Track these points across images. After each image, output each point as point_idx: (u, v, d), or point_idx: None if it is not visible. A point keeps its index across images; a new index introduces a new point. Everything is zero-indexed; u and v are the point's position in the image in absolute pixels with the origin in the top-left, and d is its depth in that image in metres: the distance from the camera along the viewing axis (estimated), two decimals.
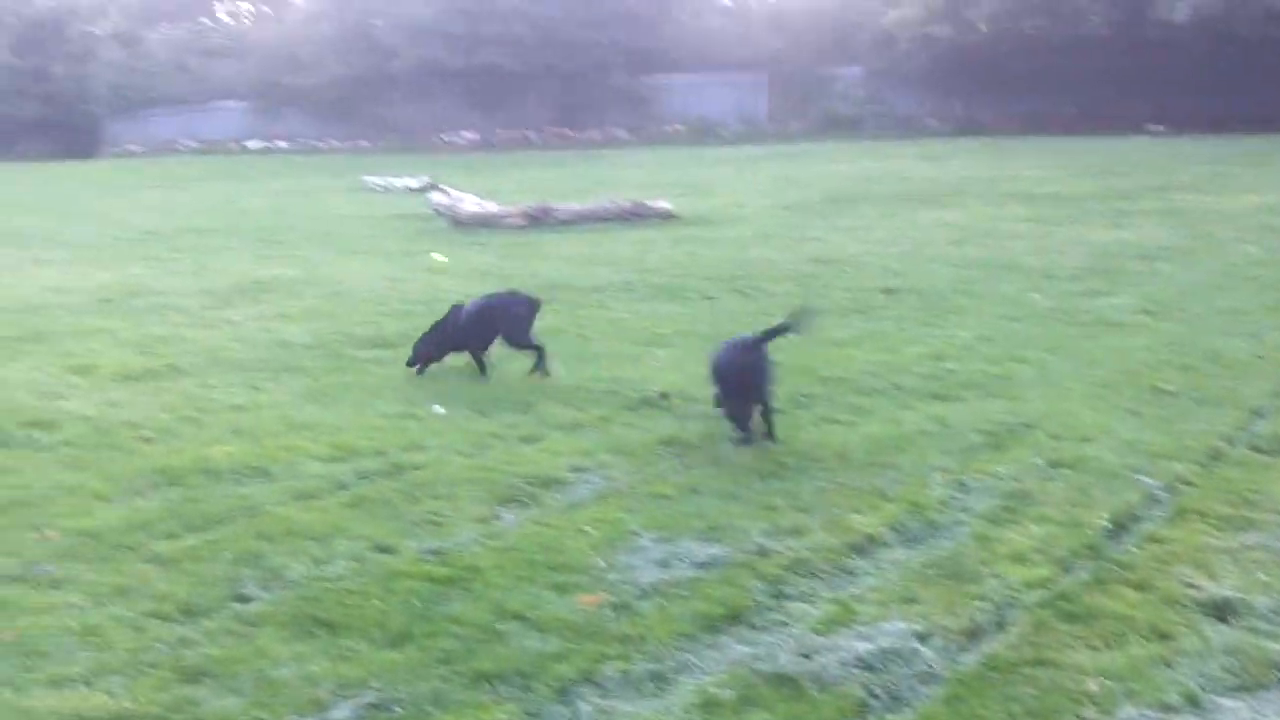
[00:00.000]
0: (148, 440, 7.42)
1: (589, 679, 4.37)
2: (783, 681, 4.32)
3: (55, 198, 26.73)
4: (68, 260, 15.88)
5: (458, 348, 9.20)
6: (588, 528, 5.84)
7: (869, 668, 4.41)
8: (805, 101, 38.57)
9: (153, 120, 46.10)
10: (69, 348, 10.10)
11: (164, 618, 4.92)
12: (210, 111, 45.46)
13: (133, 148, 45.08)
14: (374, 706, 4.18)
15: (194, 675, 4.44)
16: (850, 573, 5.35)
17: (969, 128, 34.88)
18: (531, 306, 9.30)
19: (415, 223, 19.93)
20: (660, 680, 4.37)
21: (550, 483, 6.54)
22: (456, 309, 9.25)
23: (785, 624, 4.82)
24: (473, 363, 9.16)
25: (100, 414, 8.01)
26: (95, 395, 8.54)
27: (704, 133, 38.63)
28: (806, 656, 4.48)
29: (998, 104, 36.17)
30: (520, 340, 9.13)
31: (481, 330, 9.17)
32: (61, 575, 5.34)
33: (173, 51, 46.66)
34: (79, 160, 42.01)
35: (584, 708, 4.18)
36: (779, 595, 5.09)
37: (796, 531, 5.75)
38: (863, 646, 4.53)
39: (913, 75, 36.81)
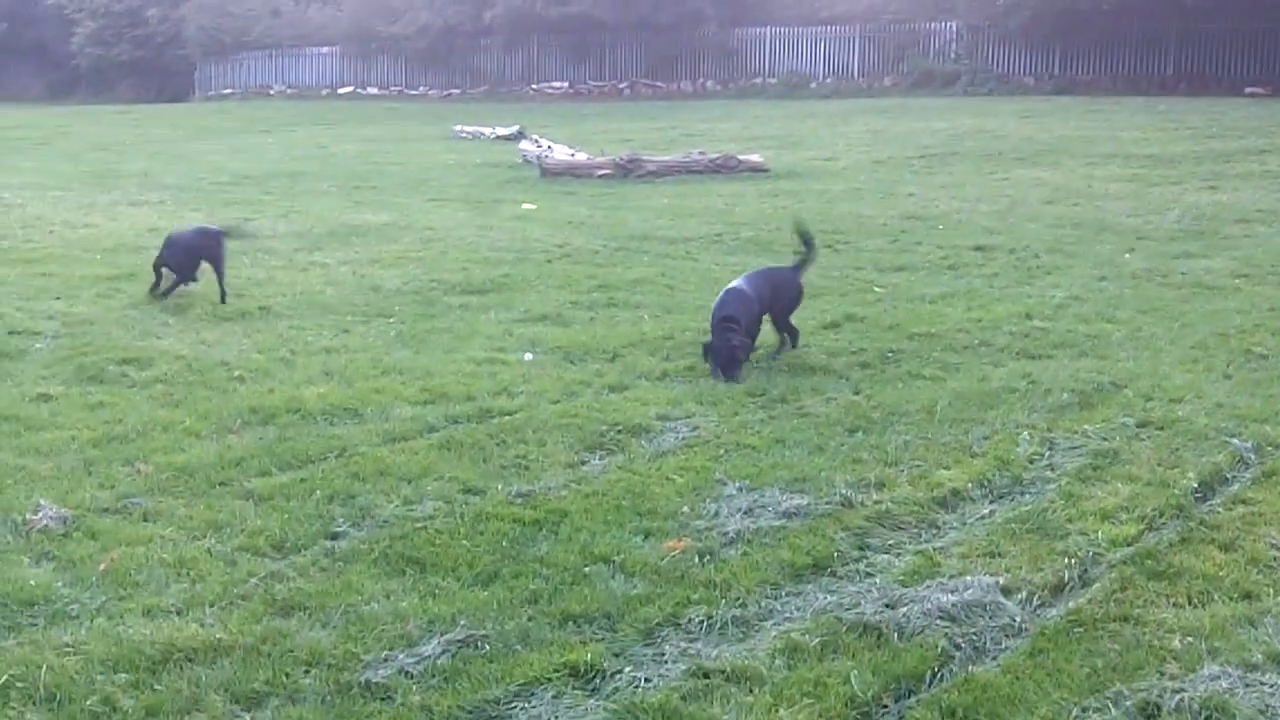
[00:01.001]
0: (240, 379, 7.57)
1: (674, 622, 4.41)
2: (866, 630, 4.32)
3: (150, 140, 27.21)
4: (162, 202, 16.18)
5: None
6: (674, 475, 5.86)
7: (952, 619, 4.40)
8: (899, 56, 37.89)
9: (245, 64, 46.61)
10: None
11: (256, 552, 5.03)
12: (303, 57, 45.83)
13: (226, 91, 45.67)
14: (462, 643, 4.25)
15: (285, 608, 4.54)
16: (935, 526, 5.33)
17: (1067, 86, 34.04)
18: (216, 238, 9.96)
19: (504, 171, 20.00)
20: (744, 626, 4.39)
21: (637, 430, 6.57)
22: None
23: (869, 574, 4.82)
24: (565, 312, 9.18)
25: (194, 353, 8.18)
26: (189, 335, 8.73)
27: (796, 86, 38.12)
28: (890, 606, 4.48)
29: (1096, 63, 35.28)
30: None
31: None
32: (155, 509, 5.49)
33: None
34: (172, 103, 42.69)
35: (669, 650, 4.22)
36: (863, 546, 5.09)
37: (882, 484, 5.73)
38: (946, 598, 4.52)
39: (1011, 32, 35.94)
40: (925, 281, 10.66)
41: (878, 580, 4.75)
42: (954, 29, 37.67)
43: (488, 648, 4.23)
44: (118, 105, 41.43)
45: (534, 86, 42.05)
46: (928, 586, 4.64)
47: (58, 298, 9.82)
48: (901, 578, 4.75)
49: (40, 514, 5.29)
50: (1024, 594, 4.61)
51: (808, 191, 16.69)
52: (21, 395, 7.14)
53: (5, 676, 3.99)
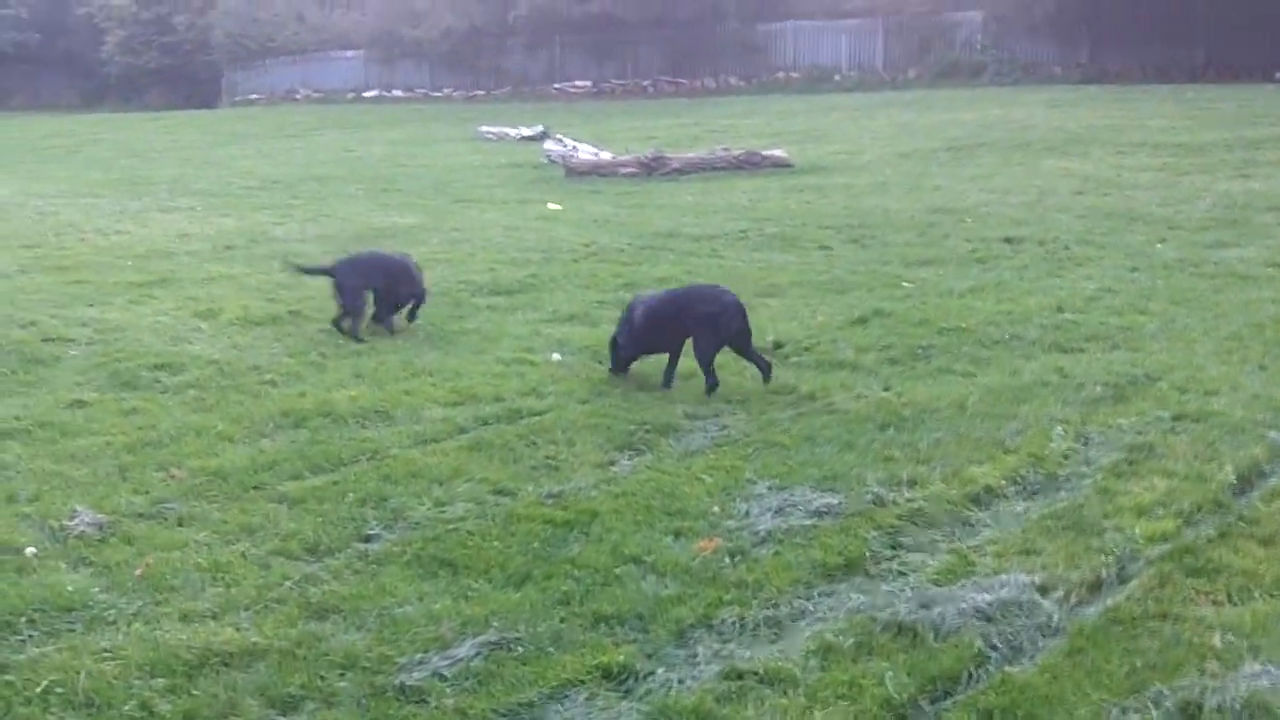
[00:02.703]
0: (272, 383, 7.61)
1: (706, 623, 4.40)
2: (901, 630, 4.30)
3: (179, 146, 27.38)
4: (192, 208, 16.28)
5: None
6: (704, 475, 5.85)
7: (988, 618, 4.37)
8: (923, 48, 37.69)
9: (272, 70, 46.84)
10: (194, 293, 10.37)
11: (290, 556, 5.06)
12: (328, 61, 46.01)
13: (253, 97, 45.92)
14: (495, 645, 4.26)
15: (320, 611, 4.56)
16: (969, 524, 5.30)
17: (1094, 75, 33.75)
18: None
19: (530, 171, 20.02)
20: (777, 626, 4.38)
21: (666, 430, 6.56)
22: None
23: (903, 574, 4.80)
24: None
25: (225, 357, 8.23)
26: (220, 339, 8.77)
27: (819, 80, 37.98)
28: (925, 606, 4.45)
29: (1124, 51, 34.96)
30: None
31: None
32: (190, 513, 5.51)
33: (292, 1, 47.32)
34: (201, 110, 42.95)
35: (702, 651, 4.21)
36: (896, 545, 5.07)
37: (914, 482, 5.70)
38: (982, 597, 4.49)
39: (1037, 21, 35.67)
40: (954, 275, 10.60)
41: (911, 579, 4.73)
42: (979, 19, 37.43)
43: (521, 650, 4.24)
44: (147, 112, 41.73)
45: (557, 86, 42.08)
46: (962, 586, 4.62)
47: (90, 304, 9.89)
48: (935, 577, 4.73)
49: (77, 520, 5.33)
50: (1061, 592, 4.58)
51: (832, 186, 16.64)
52: (56, 402, 7.19)
53: (45, 682, 4.02)
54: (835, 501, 5.46)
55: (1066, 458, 6.05)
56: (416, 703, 3.94)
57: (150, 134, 31.00)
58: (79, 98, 50.22)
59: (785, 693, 3.93)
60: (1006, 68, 35.43)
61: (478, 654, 4.21)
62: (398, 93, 43.95)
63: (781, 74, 39.43)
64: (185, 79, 48.01)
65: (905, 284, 10.30)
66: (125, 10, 47.56)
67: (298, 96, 45.57)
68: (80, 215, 15.54)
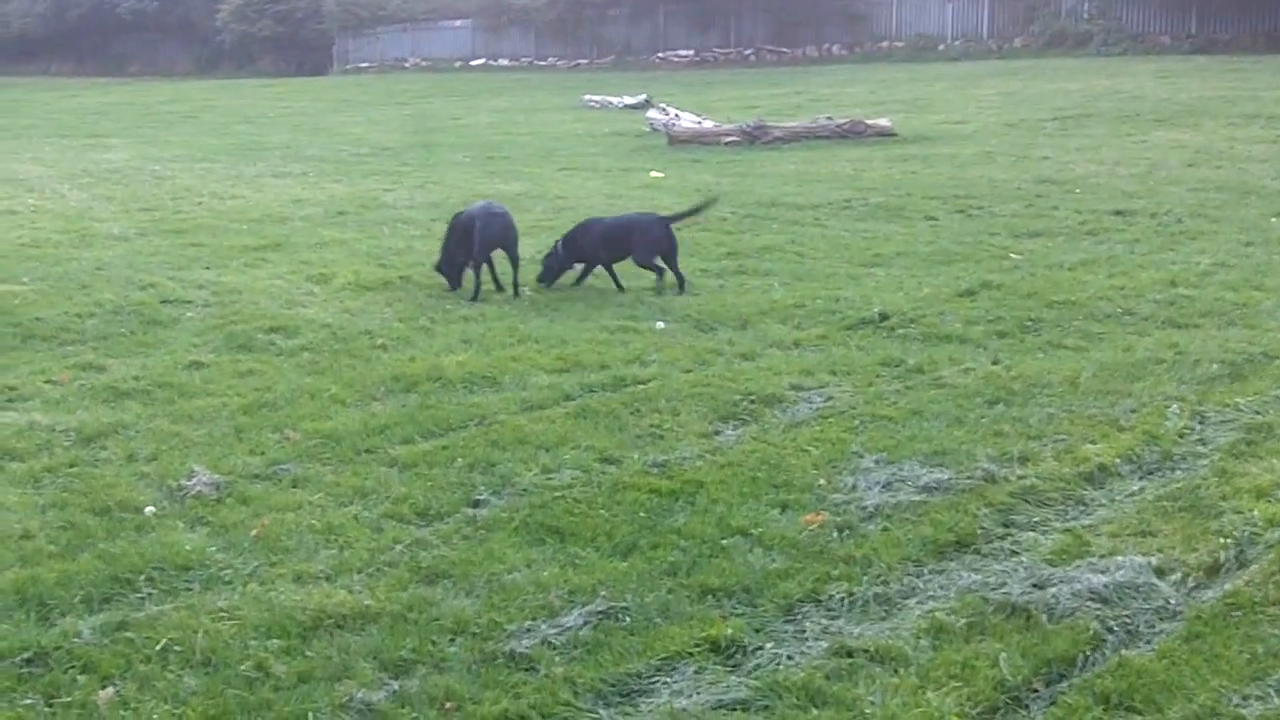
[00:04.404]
0: (383, 347, 7.72)
1: (815, 598, 4.36)
2: (1014, 611, 4.22)
3: (291, 113, 27.84)
4: (304, 174, 16.56)
5: None
6: (809, 447, 5.81)
7: (1104, 601, 4.27)
8: (1030, 16, 36.80)
9: (382, 38, 47.40)
10: (307, 257, 10.56)
11: (401, 519, 5.12)
12: (437, 30, 46.41)
13: (363, 65, 46.50)
14: (603, 614, 4.27)
15: (430, 576, 4.61)
16: (1083, 503, 5.19)
17: (1204, 45, 32.63)
18: None
19: (632, 140, 20.01)
20: (887, 604, 4.33)
21: (771, 400, 6.52)
22: None
23: (1015, 553, 4.71)
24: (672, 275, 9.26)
25: (338, 321, 8.36)
26: (332, 303, 8.92)
27: (923, 49, 37.32)
28: (1038, 587, 4.37)
29: (1236, 20, 33.72)
30: None
31: None
32: (304, 475, 5.62)
33: None
34: (312, 77, 43.61)
35: (810, 627, 4.18)
36: (1008, 523, 4.98)
37: (1026, 459, 5.59)
38: (1097, 579, 4.39)
39: None
40: (1063, 248, 10.37)
41: (1024, 559, 4.63)
42: None
43: (628, 620, 4.24)
44: (260, 79, 42.48)
45: (660, 55, 41.92)
46: (1077, 566, 4.52)
47: (207, 267, 10.13)
48: (1049, 557, 4.64)
49: (194, 480, 5.46)
50: (1178, 575, 4.46)
51: (938, 156, 16.36)
52: (175, 363, 7.38)
53: (164, 640, 4.12)
54: (945, 477, 5.38)
55: (1182, 437, 5.89)
56: (526, 670, 3.97)
57: (263, 100, 31.58)
58: (194, 65, 51.36)
59: (896, 672, 3.89)
60: (1114, 37, 34.43)
61: (586, 623, 4.22)
62: (503, 61, 44.19)
63: (885, 43, 38.82)
64: (297, 46, 48.78)
65: (1013, 255, 10.10)
66: None
67: (406, 65, 46.06)
68: (196, 180, 15.90)
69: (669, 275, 9.23)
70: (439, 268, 9.43)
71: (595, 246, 9.39)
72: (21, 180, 16.30)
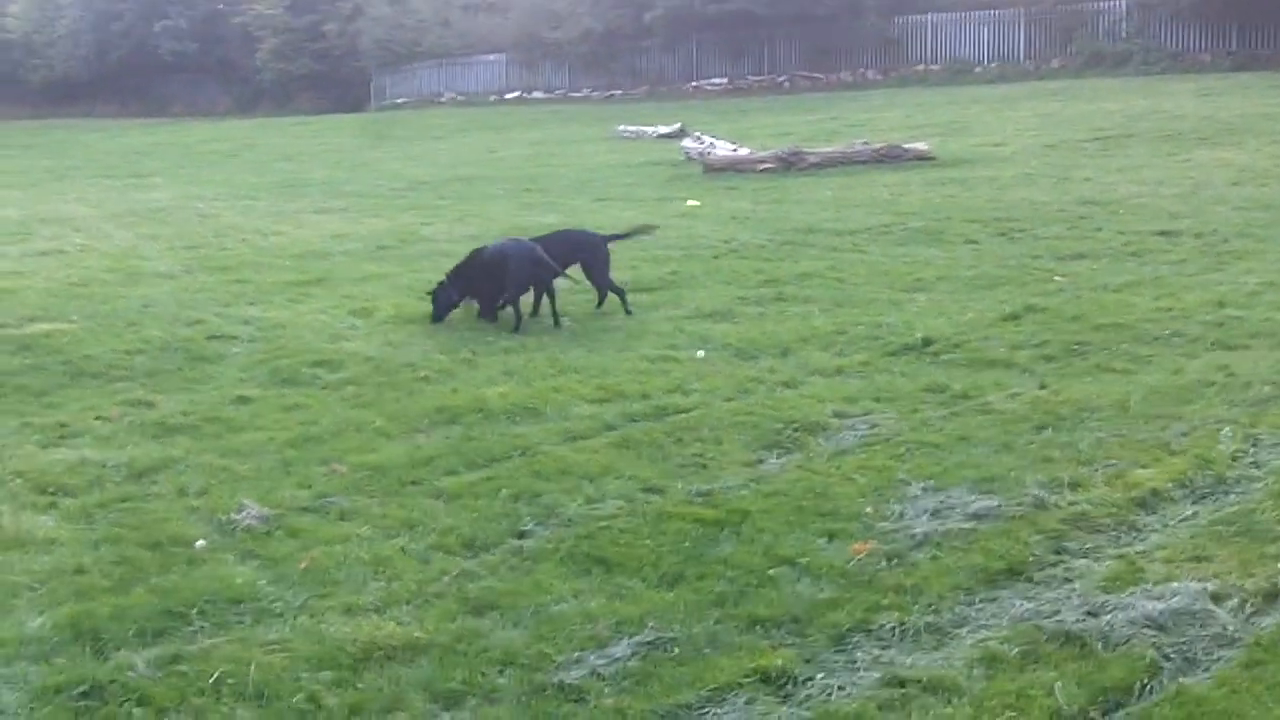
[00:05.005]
0: (426, 380, 7.76)
1: (865, 628, 4.33)
2: (1068, 639, 4.18)
3: (329, 150, 28.12)
4: (345, 209, 16.71)
5: None
6: (855, 475, 5.78)
7: (1160, 628, 4.22)
8: (1067, 37, 36.68)
9: (418, 73, 47.88)
10: (350, 291, 10.64)
11: (448, 551, 5.13)
12: (472, 64, 46.83)
13: (399, 100, 46.95)
14: (651, 645, 4.25)
15: (478, 607, 4.61)
16: (1136, 529, 5.13)
17: (1246, 62, 32.36)
18: None
19: (667, 169, 20.06)
20: (938, 633, 4.29)
21: (815, 428, 6.50)
22: None
23: (1068, 580, 4.66)
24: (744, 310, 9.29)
25: (380, 354, 8.42)
26: (375, 337, 8.98)
27: (959, 72, 37.26)
28: (1093, 614, 4.32)
29: (1276, 36, 33.49)
30: None
31: None
32: (351, 507, 5.64)
33: (437, 7, 48.25)
34: (350, 113, 44.05)
35: (861, 657, 4.15)
36: (1060, 550, 4.93)
37: (1076, 484, 5.54)
38: (1152, 606, 4.34)
39: (1184, 7, 34.34)
40: (1108, 269, 10.30)
41: (1077, 586, 4.58)
42: (1123, 7, 36.26)
43: (677, 650, 4.22)
44: (299, 116, 42.96)
45: (694, 84, 42.08)
46: (1131, 593, 4.46)
47: (251, 303, 10.23)
48: (1102, 584, 4.58)
49: (244, 513, 5.50)
50: (1235, 601, 4.40)
51: (977, 179, 16.31)
52: (222, 398, 7.45)
53: (217, 673, 4.14)
54: (994, 504, 5.34)
55: (1235, 460, 5.82)
56: (575, 701, 3.96)
57: (302, 138, 31.92)
58: (234, 104, 52.01)
59: (949, 702, 3.84)
60: (1153, 56, 34.22)
61: (634, 654, 4.21)
62: (538, 94, 44.49)
63: (921, 67, 38.77)
64: (335, 84, 49.33)
65: (1057, 278, 10.04)
66: (278, 19, 49.07)
67: (442, 99, 46.45)
68: (239, 217, 16.08)
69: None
70: (435, 294, 9.34)
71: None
72: (69, 220, 16.53)
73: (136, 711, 3.94)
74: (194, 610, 4.61)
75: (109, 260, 12.81)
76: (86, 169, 25.91)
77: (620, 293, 9.70)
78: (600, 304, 9.76)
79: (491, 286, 9.30)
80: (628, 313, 9.47)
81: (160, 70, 54.30)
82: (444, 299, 9.34)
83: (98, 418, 7.10)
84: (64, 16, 55.35)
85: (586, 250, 9.78)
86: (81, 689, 4.06)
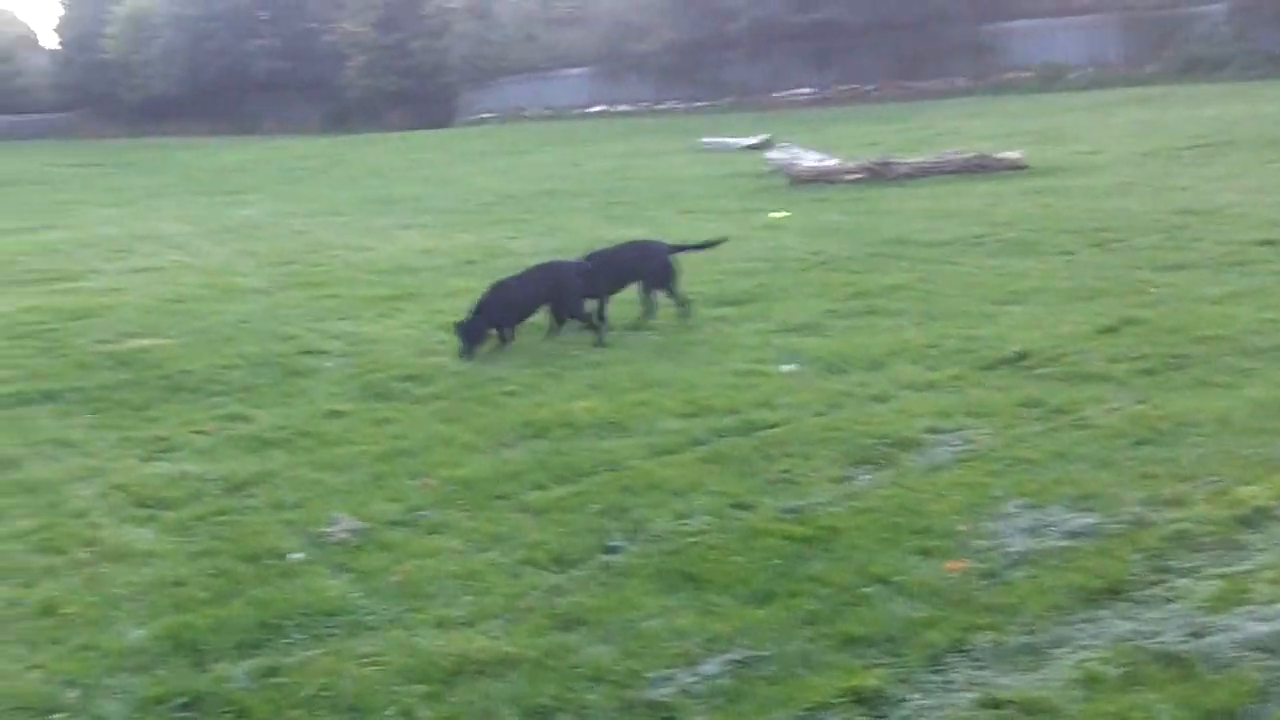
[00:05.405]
0: (513, 394, 7.80)
1: (960, 648, 4.24)
2: (1170, 660, 4.06)
3: (417, 165, 28.52)
4: (432, 224, 16.90)
5: None
6: (949, 491, 5.68)
7: (1267, 650, 4.08)
8: (1162, 42, 35.97)
9: (503, 89, 48.43)
10: (438, 306, 10.74)
11: (537, 565, 5.14)
12: (556, 78, 47.28)
13: (485, 115, 47.50)
14: (742, 664, 4.22)
15: (567, 623, 4.61)
16: (1240, 548, 4.97)
17: None
18: None
19: (753, 181, 20.01)
20: (1036, 653, 4.19)
21: (907, 444, 6.40)
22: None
23: (1169, 600, 4.53)
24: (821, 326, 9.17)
25: (468, 369, 8.48)
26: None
27: (1052, 79, 36.74)
28: (1196, 635, 4.20)
29: None
30: None
31: None
32: (441, 521, 5.68)
33: (521, 22, 48.79)
34: (436, 129, 44.64)
35: (957, 677, 4.07)
36: (1161, 569, 4.79)
37: (1177, 502, 5.39)
38: (1259, 627, 4.20)
39: None
40: (1208, 280, 10.02)
41: (1179, 606, 4.45)
42: (1222, 11, 35.49)
43: (769, 669, 4.18)
44: (387, 133, 43.64)
45: (778, 94, 41.97)
46: (1236, 614, 4.32)
47: (343, 318, 10.38)
48: (1206, 604, 4.45)
49: (337, 526, 5.57)
50: None
51: (1071, 188, 16.02)
52: (315, 412, 7.56)
53: (313, 686, 4.19)
54: (1092, 522, 5.21)
55: None
56: (666, 719, 3.94)
57: (390, 154, 32.42)
58: (322, 121, 53.03)
59: None
60: (1253, 60, 33.41)
61: (725, 672, 4.17)
62: (621, 107, 44.72)
63: (1011, 74, 38.32)
64: (422, 100, 50.09)
65: (1155, 289, 9.80)
66: (367, 37, 49.97)
67: (527, 114, 46.89)
68: (330, 233, 16.35)
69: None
70: (468, 327, 8.91)
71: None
72: (165, 237, 16.95)
73: None
74: (290, 623, 4.67)
75: (204, 276, 13.10)
76: (181, 186, 26.58)
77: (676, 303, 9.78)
78: (649, 314, 9.81)
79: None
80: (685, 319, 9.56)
81: (252, 88, 55.56)
82: (475, 331, 8.95)
83: (196, 431, 7.24)
84: (159, 37, 56.88)
85: (649, 263, 9.84)
86: (182, 700, 4.14)
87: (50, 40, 68.99)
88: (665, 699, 4.04)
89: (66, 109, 63.11)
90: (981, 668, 4.13)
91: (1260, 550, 4.94)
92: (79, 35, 62.39)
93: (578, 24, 46.21)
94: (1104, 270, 10.61)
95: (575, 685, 4.15)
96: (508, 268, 12.50)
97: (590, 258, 9.85)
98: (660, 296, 9.86)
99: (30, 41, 71.84)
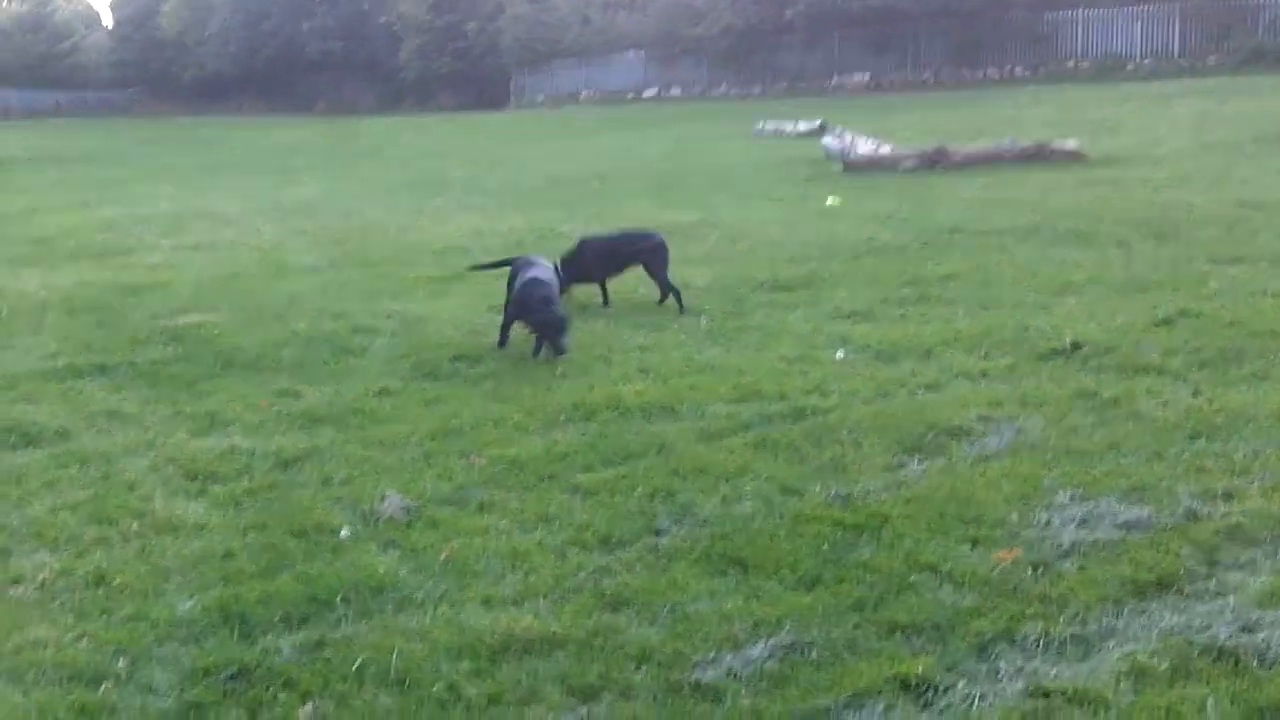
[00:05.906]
0: (563, 376, 7.82)
1: (1008, 637, 4.22)
2: (1221, 654, 4.01)
3: (470, 147, 28.62)
4: (484, 206, 16.96)
5: None
6: (1000, 481, 5.64)
7: None
8: (1224, 33, 35.37)
9: (557, 72, 48.45)
10: (489, 287, 10.74)
11: (584, 546, 5.16)
12: (610, 62, 47.23)
13: (538, 98, 47.57)
14: (788, 648, 4.21)
15: (614, 604, 4.62)
16: None
17: None
18: None
19: (807, 167, 19.91)
20: (1084, 645, 4.16)
21: (958, 433, 6.36)
22: None
23: (1220, 594, 4.48)
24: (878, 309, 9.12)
25: (518, 350, 8.50)
26: (513, 332, 9.06)
27: (1111, 69, 36.28)
28: (1248, 630, 4.15)
29: None
30: None
31: None
32: (489, 500, 5.71)
33: (576, 5, 48.77)
34: (490, 111, 44.77)
35: (1004, 667, 4.04)
36: (1213, 563, 4.73)
37: (1230, 495, 5.32)
38: None
39: None
40: (1267, 274, 9.87)
41: (1231, 601, 4.40)
42: None
43: (815, 655, 4.17)
44: (440, 114, 43.83)
45: (834, 81, 41.71)
46: None
47: (394, 297, 10.45)
48: (1258, 599, 4.39)
49: (386, 503, 5.61)
50: None
51: (1129, 179, 15.81)
52: (366, 390, 7.61)
53: (360, 659, 4.23)
54: (1144, 514, 5.15)
55: None
56: (712, 701, 3.94)
57: (443, 135, 32.56)
58: (376, 101, 53.37)
59: (1096, 715, 3.72)
60: None
61: (771, 656, 4.17)
62: (675, 91, 44.63)
63: (1070, 63, 37.87)
64: (475, 82, 50.26)
65: (1212, 283, 9.66)
66: (421, 18, 50.19)
67: (580, 97, 46.91)
68: (382, 213, 16.45)
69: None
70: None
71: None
72: (219, 215, 17.13)
73: (282, 695, 4.04)
74: (338, 597, 4.71)
75: (257, 254, 13.23)
76: (236, 164, 26.83)
77: (677, 294, 9.79)
78: (661, 300, 9.91)
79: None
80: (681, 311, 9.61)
81: (306, 68, 56.01)
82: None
83: (247, 407, 7.32)
84: (215, 16, 57.41)
85: (646, 250, 9.89)
86: (230, 671, 4.19)
87: (108, 18, 69.98)
88: (711, 681, 4.04)
89: (123, 86, 63.91)
90: (1029, 658, 4.09)
91: None
92: (135, 13, 63.17)
93: (634, 8, 46.12)
94: (1160, 262, 10.47)
95: (621, 666, 4.16)
96: (558, 251, 12.55)
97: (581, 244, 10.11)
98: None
99: (90, 18, 72.84)
